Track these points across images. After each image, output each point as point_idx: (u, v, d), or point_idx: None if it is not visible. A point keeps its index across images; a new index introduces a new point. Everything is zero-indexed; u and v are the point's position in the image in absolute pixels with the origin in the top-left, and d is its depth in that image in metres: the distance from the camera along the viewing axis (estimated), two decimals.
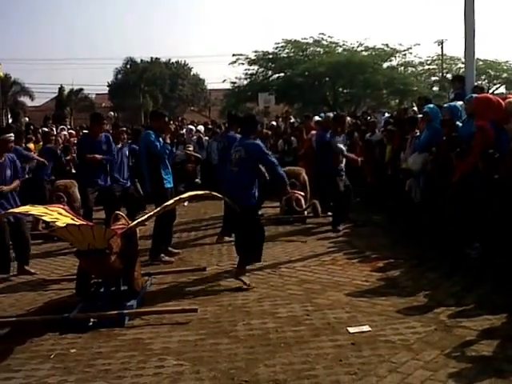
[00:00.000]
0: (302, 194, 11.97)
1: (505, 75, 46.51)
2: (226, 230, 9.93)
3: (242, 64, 44.31)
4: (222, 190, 7.96)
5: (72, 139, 16.53)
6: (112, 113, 29.52)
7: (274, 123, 19.42)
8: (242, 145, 7.53)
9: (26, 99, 54.51)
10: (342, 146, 10.58)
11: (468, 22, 10.52)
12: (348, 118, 14.69)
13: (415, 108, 12.24)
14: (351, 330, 5.64)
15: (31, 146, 13.66)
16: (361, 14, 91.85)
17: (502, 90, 44.83)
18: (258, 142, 7.66)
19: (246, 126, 7.86)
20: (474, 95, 8.79)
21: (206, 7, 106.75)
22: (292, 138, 16.55)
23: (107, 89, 60.69)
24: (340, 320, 5.93)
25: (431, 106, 9.97)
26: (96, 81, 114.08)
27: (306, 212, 11.71)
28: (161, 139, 8.79)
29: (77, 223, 6.37)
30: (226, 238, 9.85)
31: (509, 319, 5.70)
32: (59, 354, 5.39)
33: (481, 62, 40.16)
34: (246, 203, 7.40)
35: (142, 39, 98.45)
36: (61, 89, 56.20)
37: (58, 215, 6.46)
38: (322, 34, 43.93)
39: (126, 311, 6.20)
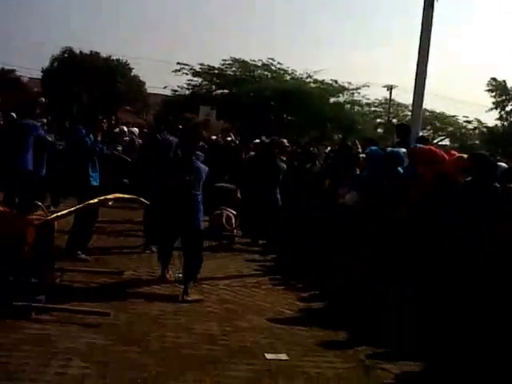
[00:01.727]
0: (234, 212, 11.74)
1: (450, 129, 47.36)
2: (151, 241, 9.55)
3: (186, 74, 43.66)
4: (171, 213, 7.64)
5: None
6: (43, 99, 28.45)
7: (214, 137, 19.01)
8: (192, 163, 7.33)
9: None
10: None
11: (420, 72, 10.56)
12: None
13: (359, 146, 12.21)
14: (268, 356, 5.42)
15: None
16: (313, 46, 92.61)
17: (446, 142, 45.50)
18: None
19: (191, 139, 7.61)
20: (418, 145, 8.80)
21: (152, 10, 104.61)
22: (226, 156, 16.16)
23: (41, 74, 58.42)
24: (257, 345, 5.70)
25: (374, 148, 9.94)
26: (29, 65, 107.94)
27: (235, 231, 11.49)
28: (91, 136, 8.53)
29: None
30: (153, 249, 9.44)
31: (428, 366, 5.57)
32: None
33: (428, 113, 40.43)
34: (199, 226, 7.31)
35: (84, 31, 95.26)
36: None
37: None
38: (272, 59, 43.80)
39: (33, 304, 5.82)
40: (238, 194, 12.30)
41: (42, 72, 56.23)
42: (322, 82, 43.04)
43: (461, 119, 47.41)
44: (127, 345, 5.34)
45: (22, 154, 9.58)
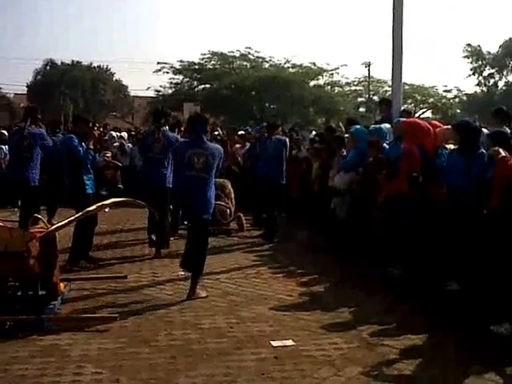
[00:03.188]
0: (228, 205, 11.89)
1: (431, 100, 47.56)
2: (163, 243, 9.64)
3: (167, 73, 44.32)
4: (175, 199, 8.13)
5: None
6: (22, 104, 28.44)
7: None
8: (204, 147, 7.21)
9: None
10: None
11: (396, 46, 10.53)
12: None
13: (342, 127, 12.33)
14: (274, 343, 5.59)
15: None
16: (288, 31, 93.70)
17: (429, 114, 45.56)
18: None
19: (196, 124, 7.40)
20: (402, 119, 8.91)
21: (128, 12, 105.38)
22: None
23: (26, 89, 58.14)
24: (263, 333, 5.88)
25: (358, 127, 10.08)
26: (14, 80, 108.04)
27: (230, 225, 11.64)
28: (84, 144, 8.62)
29: None
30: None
31: (430, 339, 5.76)
32: None
33: (407, 86, 40.20)
34: (208, 217, 7.30)
35: (63, 41, 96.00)
36: None
37: None
38: (249, 48, 44.27)
39: (44, 316, 5.98)
40: (230, 187, 12.45)
41: (26, 87, 56.19)
42: (301, 65, 43.53)
43: (440, 89, 47.87)
44: (137, 346, 5.50)
45: (31, 168, 9.68)
